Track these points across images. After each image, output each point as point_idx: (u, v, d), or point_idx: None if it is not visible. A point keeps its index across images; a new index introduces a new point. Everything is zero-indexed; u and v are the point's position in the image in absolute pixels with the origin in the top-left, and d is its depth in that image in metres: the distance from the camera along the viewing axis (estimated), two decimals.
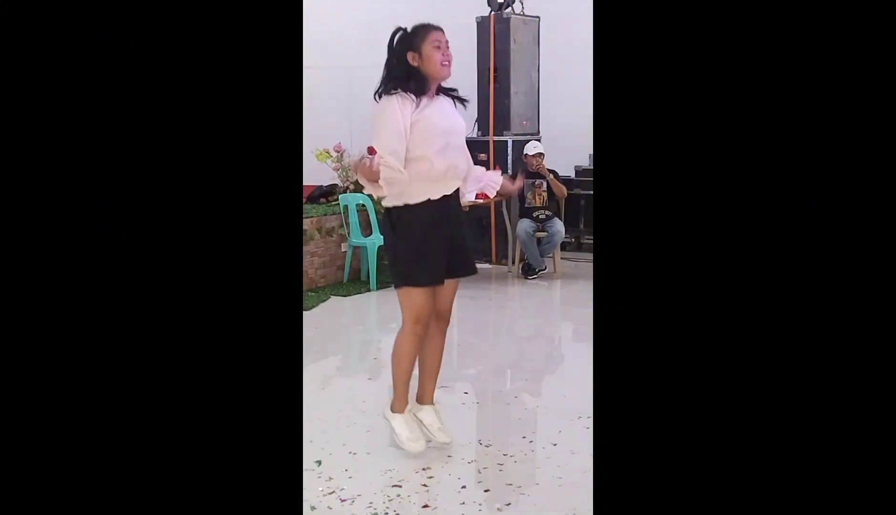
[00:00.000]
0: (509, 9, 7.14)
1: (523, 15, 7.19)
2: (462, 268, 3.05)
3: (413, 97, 2.82)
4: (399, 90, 2.83)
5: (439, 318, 3.10)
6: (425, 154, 2.82)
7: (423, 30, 2.87)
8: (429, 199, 2.87)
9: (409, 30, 2.89)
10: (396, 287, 2.99)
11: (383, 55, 2.91)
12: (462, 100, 3.03)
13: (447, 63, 2.87)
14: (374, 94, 2.89)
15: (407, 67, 2.85)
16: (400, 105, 2.81)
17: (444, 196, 2.90)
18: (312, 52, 10.22)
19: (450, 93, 2.99)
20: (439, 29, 2.89)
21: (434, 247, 2.90)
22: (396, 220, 2.91)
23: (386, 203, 2.94)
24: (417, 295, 2.92)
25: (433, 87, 2.90)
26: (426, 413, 3.21)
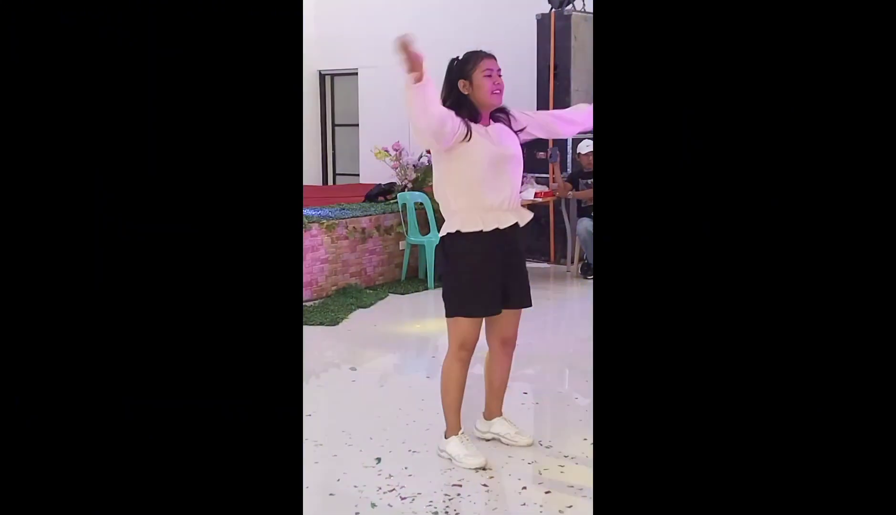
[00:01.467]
0: (570, 6, 7.07)
1: (584, 12, 7.11)
2: (517, 300, 3.00)
3: (465, 121, 2.81)
4: (454, 111, 2.82)
5: (505, 343, 3.08)
6: (475, 180, 2.81)
7: (475, 57, 2.86)
8: (481, 231, 2.84)
9: (460, 57, 2.89)
10: (448, 316, 2.95)
11: (440, 53, 2.89)
12: (510, 124, 2.95)
13: (498, 91, 2.86)
14: None
15: (458, 95, 2.85)
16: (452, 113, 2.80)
17: (497, 229, 2.87)
18: (369, 51, 10.31)
19: (501, 117, 2.95)
20: (491, 56, 2.88)
21: (486, 279, 2.87)
22: (450, 249, 2.90)
23: (441, 230, 2.94)
24: (465, 323, 2.91)
25: (485, 115, 2.89)
26: (498, 425, 3.20)
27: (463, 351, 2.94)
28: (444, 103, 2.83)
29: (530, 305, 3.05)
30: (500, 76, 2.86)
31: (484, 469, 2.94)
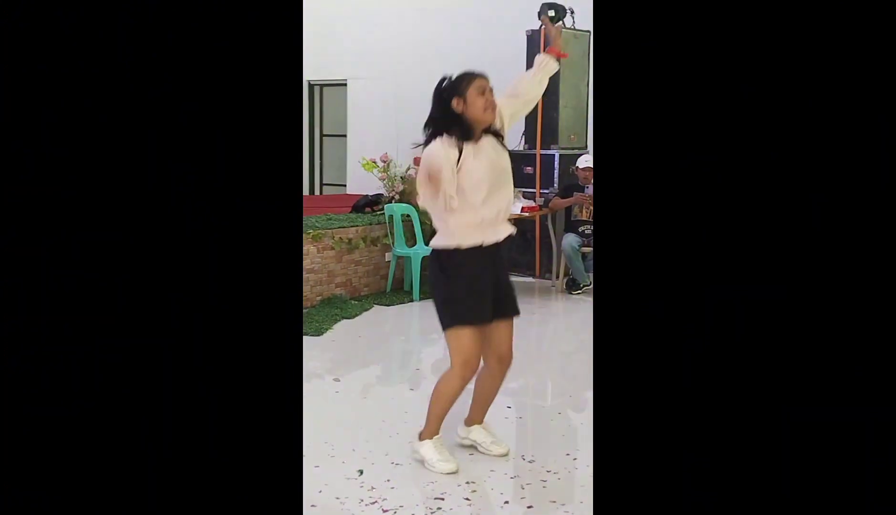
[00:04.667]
0: (560, 23, 7.11)
1: (574, 29, 7.16)
2: (510, 309, 3.06)
3: (457, 142, 2.84)
4: (444, 135, 2.86)
5: (501, 361, 3.10)
6: (473, 202, 2.85)
7: (468, 76, 2.90)
8: (481, 245, 2.90)
9: (453, 77, 2.92)
10: (445, 328, 2.98)
11: (431, 69, 2.92)
12: (502, 142, 2.99)
13: (490, 108, 2.89)
14: (423, 145, 2.92)
15: (451, 114, 2.88)
16: (445, 147, 2.83)
17: (494, 242, 2.94)
18: (358, 62, 10.28)
19: (493, 132, 2.98)
20: (483, 76, 2.92)
21: (484, 287, 2.93)
22: (447, 261, 2.93)
23: (434, 244, 2.98)
24: (466, 337, 2.92)
25: (477, 133, 2.91)
26: (476, 432, 3.23)
27: (466, 369, 2.97)
28: (436, 123, 2.88)
29: (518, 313, 3.10)
30: (492, 94, 2.90)
31: (455, 473, 2.97)
